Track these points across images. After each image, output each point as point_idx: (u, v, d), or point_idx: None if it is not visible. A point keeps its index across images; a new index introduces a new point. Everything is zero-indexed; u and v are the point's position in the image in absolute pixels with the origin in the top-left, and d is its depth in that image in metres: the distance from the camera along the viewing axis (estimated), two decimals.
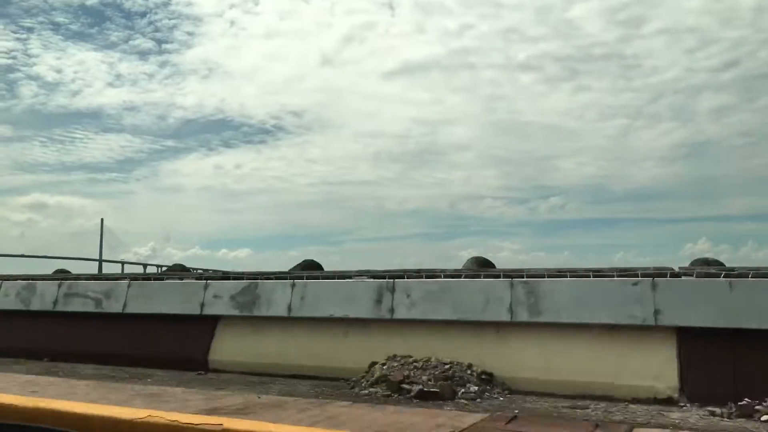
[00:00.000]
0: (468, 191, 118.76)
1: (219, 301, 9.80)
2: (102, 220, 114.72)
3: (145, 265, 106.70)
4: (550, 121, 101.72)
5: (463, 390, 6.95)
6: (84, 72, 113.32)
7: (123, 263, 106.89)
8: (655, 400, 6.75)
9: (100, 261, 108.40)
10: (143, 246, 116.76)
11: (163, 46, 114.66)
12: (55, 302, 11.08)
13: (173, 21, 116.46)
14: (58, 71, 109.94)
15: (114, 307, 10.53)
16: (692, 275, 7.51)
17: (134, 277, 11.50)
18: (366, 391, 7.18)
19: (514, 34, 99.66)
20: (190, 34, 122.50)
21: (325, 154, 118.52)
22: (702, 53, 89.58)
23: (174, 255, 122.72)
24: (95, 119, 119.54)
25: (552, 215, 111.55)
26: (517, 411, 6.08)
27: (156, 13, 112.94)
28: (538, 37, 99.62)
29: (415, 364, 7.51)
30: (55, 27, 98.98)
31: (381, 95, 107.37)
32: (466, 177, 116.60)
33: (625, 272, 7.89)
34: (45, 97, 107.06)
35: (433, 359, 7.59)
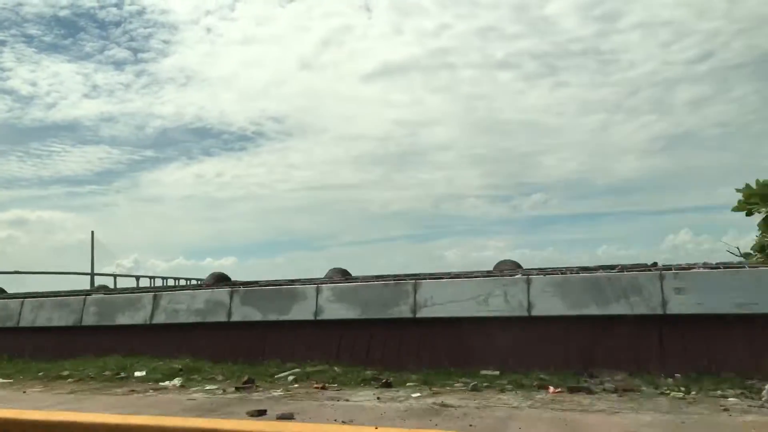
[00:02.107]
0: (451, 191, 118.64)
1: None
2: (93, 232, 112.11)
3: (137, 277, 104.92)
4: (530, 118, 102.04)
5: None
6: (59, 84, 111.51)
7: (115, 276, 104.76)
8: None
9: (92, 275, 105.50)
10: (126, 258, 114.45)
11: (139, 55, 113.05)
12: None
13: (149, 30, 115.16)
14: (33, 84, 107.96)
15: None
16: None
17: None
18: None
19: (491, 33, 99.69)
20: (166, 42, 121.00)
21: (306, 159, 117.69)
22: (677, 46, 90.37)
23: (158, 266, 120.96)
24: (72, 132, 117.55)
25: (535, 211, 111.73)
26: None
27: (131, 23, 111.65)
28: (515, 35, 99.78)
29: None
30: (29, 39, 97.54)
31: (361, 98, 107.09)
32: (449, 177, 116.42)
33: None
34: (20, 111, 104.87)
35: None
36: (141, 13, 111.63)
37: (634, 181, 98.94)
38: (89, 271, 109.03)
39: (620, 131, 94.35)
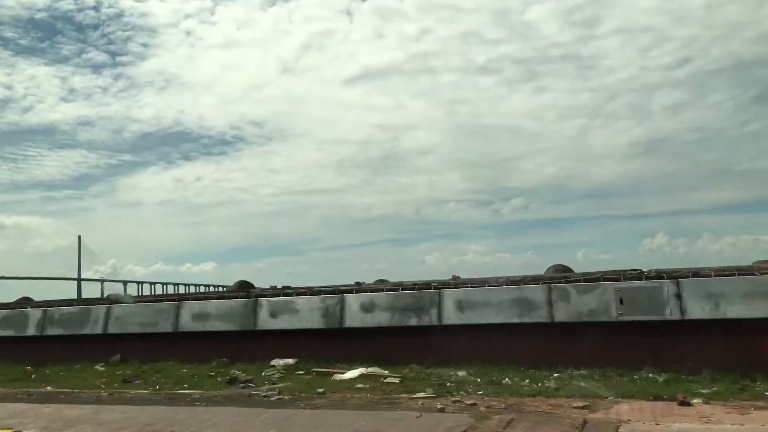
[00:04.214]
0: (432, 195, 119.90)
1: None
2: (80, 237, 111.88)
3: (125, 283, 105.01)
4: (511, 123, 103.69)
5: None
6: (35, 87, 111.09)
7: (102, 281, 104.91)
8: None
9: (79, 280, 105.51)
10: (104, 264, 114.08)
11: (118, 58, 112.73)
12: None
13: (127, 33, 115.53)
14: (8, 87, 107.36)
15: None
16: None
17: None
18: None
19: (472, 38, 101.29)
20: (144, 45, 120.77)
21: (288, 164, 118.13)
22: (656, 52, 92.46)
23: (136, 271, 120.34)
24: (48, 136, 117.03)
25: (515, 216, 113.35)
26: None
27: (109, 25, 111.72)
28: (496, 40, 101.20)
29: None
30: (4, 42, 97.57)
31: (342, 102, 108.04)
32: (430, 181, 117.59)
33: None
34: None
35: None
36: (119, 15, 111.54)
37: (613, 186, 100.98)
38: (75, 276, 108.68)
39: (599, 136, 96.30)
